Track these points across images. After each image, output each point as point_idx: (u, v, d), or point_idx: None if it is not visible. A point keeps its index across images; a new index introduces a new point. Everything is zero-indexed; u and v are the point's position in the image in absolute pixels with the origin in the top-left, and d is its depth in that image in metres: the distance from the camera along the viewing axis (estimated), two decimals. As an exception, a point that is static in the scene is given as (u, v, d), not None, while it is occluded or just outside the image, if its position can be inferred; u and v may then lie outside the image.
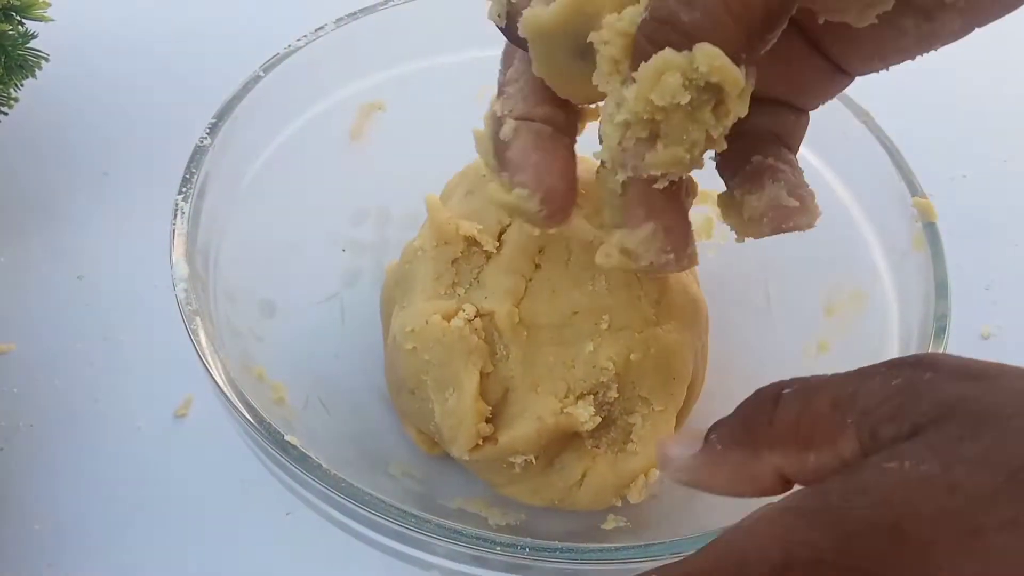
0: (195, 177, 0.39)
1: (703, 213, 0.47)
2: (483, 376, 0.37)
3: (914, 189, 0.40)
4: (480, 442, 0.37)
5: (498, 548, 0.31)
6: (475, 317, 0.38)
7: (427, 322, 0.38)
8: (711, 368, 0.43)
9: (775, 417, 0.27)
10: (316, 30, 0.44)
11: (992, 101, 0.61)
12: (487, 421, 0.37)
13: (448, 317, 0.38)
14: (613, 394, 0.38)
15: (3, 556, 0.41)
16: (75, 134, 0.56)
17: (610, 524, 0.39)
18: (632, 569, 0.32)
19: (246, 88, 0.42)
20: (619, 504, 0.39)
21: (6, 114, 0.51)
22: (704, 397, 0.42)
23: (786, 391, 0.28)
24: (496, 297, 0.38)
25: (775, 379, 0.29)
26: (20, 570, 0.41)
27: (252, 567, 0.42)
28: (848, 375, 0.26)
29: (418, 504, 0.35)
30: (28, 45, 0.51)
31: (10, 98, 0.51)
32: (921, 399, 0.24)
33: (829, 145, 0.43)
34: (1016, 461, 0.21)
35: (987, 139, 0.60)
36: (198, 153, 0.40)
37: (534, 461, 0.38)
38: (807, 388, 0.27)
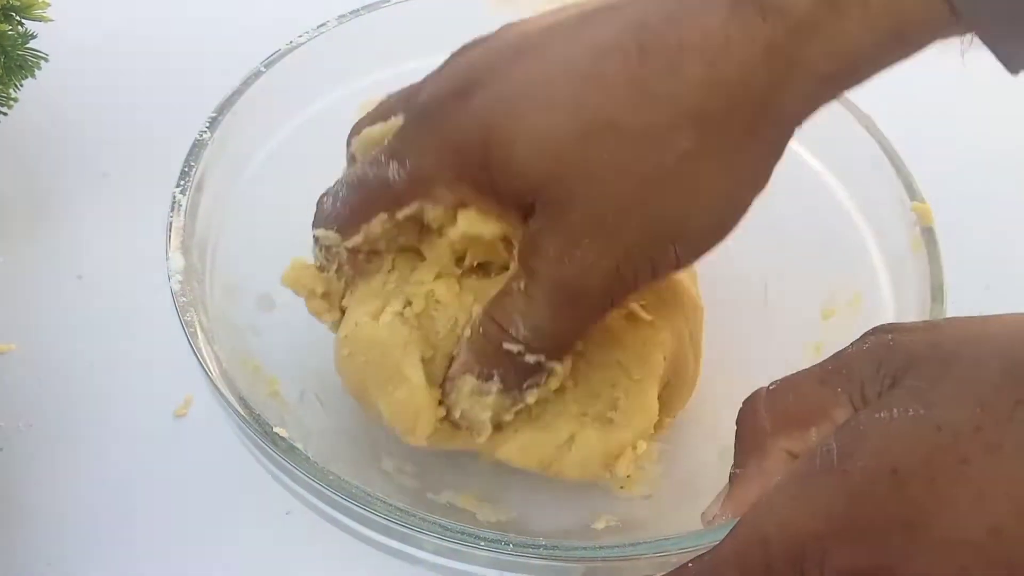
0: (193, 170, 0.39)
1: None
2: (425, 362, 0.37)
3: (913, 193, 0.41)
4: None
5: (482, 543, 0.32)
6: (405, 307, 0.38)
7: (356, 324, 0.38)
8: (711, 368, 0.43)
9: (769, 409, 0.30)
10: (318, 27, 0.44)
11: (992, 101, 0.61)
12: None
13: (376, 315, 0.38)
14: (579, 346, 0.37)
15: (3, 556, 0.41)
16: (75, 134, 0.56)
17: (601, 523, 0.39)
18: (617, 567, 0.32)
19: (247, 83, 0.42)
20: (609, 477, 0.39)
21: (6, 114, 0.51)
22: (704, 397, 0.43)
23: (771, 386, 0.30)
24: (429, 278, 0.38)
25: (773, 380, 0.30)
26: (20, 570, 0.41)
27: (252, 567, 0.42)
28: (822, 361, 0.29)
29: (409, 499, 0.36)
30: (28, 45, 0.50)
31: (10, 98, 0.51)
32: (894, 354, 0.27)
33: (830, 148, 0.43)
34: (984, 394, 0.24)
35: (987, 139, 0.60)
36: (197, 147, 0.40)
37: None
38: (789, 379, 0.30)
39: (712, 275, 0.46)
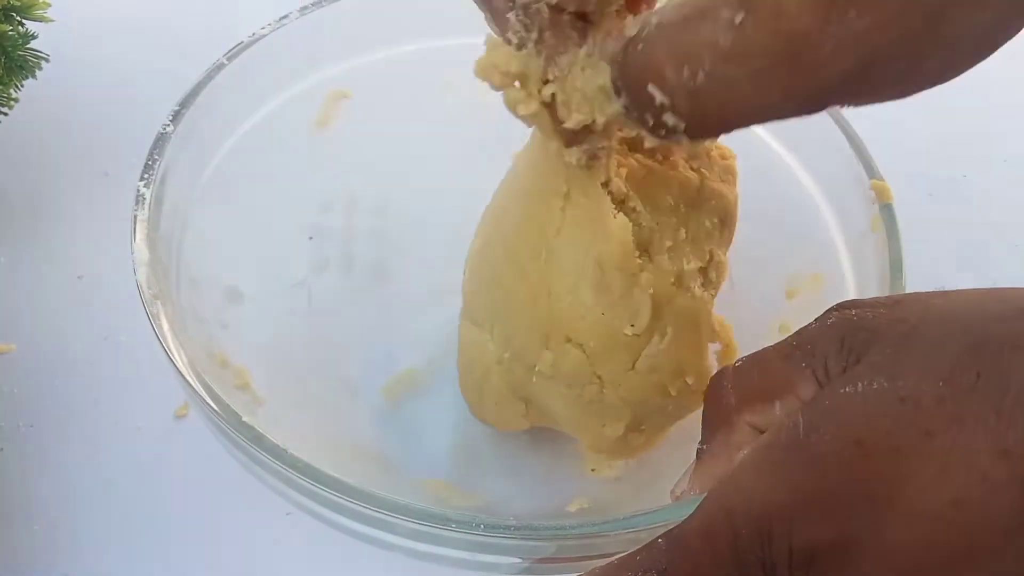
0: (157, 164, 0.40)
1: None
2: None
3: (871, 171, 0.41)
4: None
5: (453, 525, 0.32)
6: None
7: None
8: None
9: (735, 385, 0.30)
10: (280, 19, 0.44)
11: (992, 101, 0.61)
12: None
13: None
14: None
15: (3, 556, 0.41)
16: (75, 134, 0.56)
17: (574, 506, 0.39)
18: (587, 544, 0.32)
19: (209, 75, 0.42)
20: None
21: (6, 114, 0.51)
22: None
23: (737, 363, 0.30)
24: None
25: (740, 359, 0.31)
26: (20, 570, 0.41)
27: (252, 567, 0.42)
28: (787, 337, 0.29)
29: (380, 486, 0.35)
30: (28, 46, 0.50)
31: (10, 98, 0.51)
32: (857, 329, 0.27)
33: (790, 130, 0.44)
34: (947, 367, 0.24)
35: (987, 139, 0.60)
36: (160, 140, 0.40)
37: None
38: (754, 355, 0.30)
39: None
